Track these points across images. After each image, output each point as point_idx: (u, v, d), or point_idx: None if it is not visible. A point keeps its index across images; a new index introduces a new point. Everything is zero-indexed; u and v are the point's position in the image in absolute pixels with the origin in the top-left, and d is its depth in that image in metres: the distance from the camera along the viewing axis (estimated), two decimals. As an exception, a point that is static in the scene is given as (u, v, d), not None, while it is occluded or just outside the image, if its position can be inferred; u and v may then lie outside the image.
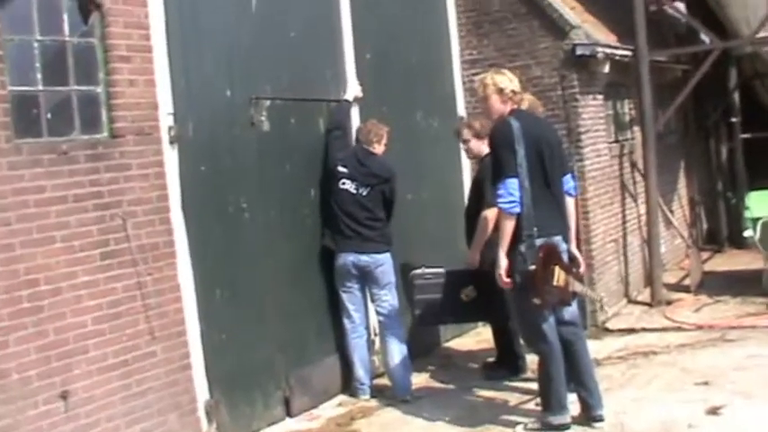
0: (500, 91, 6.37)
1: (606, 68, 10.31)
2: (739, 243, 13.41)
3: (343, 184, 7.72)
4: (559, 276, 6.18)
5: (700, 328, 9.44)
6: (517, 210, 6.09)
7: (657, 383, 7.57)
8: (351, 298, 7.87)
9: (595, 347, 8.64)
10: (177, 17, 6.64)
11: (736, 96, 14.24)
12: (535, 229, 6.12)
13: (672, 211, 12.59)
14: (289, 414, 7.51)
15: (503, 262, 6.20)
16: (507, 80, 6.44)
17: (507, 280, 6.23)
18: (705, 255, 13.29)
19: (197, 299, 6.68)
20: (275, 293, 7.44)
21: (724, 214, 14.33)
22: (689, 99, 12.85)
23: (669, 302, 10.60)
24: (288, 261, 7.65)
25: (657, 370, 7.97)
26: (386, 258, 7.81)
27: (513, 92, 6.41)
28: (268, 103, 7.48)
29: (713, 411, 6.72)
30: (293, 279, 7.70)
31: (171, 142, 6.51)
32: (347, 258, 7.74)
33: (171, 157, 6.53)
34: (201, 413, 6.63)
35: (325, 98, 8.23)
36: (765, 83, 14.32)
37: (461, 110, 10.45)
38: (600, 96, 10.62)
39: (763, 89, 14.53)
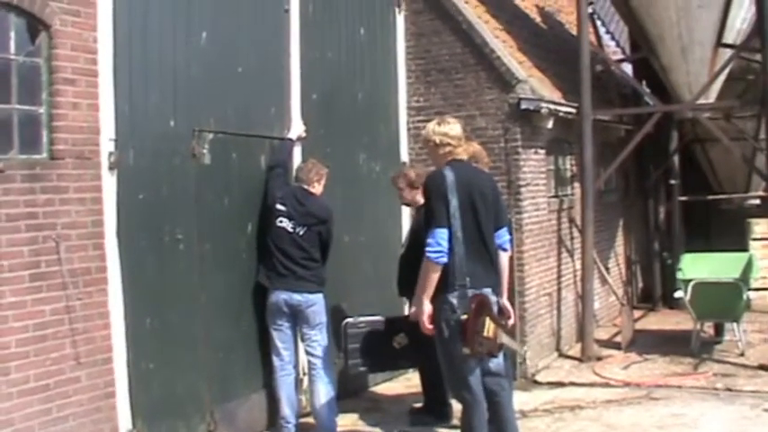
0: (436, 143, 6.41)
1: (550, 124, 10.51)
2: (672, 303, 13.59)
3: (281, 222, 7.73)
4: (489, 327, 6.20)
5: (627, 384, 9.58)
6: (444, 260, 6.11)
7: (581, 437, 7.67)
8: (281, 336, 7.82)
9: (523, 399, 8.77)
10: (126, 43, 6.69)
11: (677, 159, 14.49)
12: (468, 279, 6.15)
13: (608, 269, 12.78)
14: None
15: (426, 308, 6.24)
16: (447, 131, 6.43)
17: (430, 327, 6.26)
18: (638, 313, 13.49)
19: (126, 326, 6.65)
20: (206, 326, 7.46)
21: (659, 274, 14.51)
22: (630, 159, 13.11)
23: (599, 358, 10.73)
24: (221, 294, 7.66)
25: (582, 424, 8.07)
26: (318, 299, 7.79)
27: (450, 143, 6.40)
28: (211, 135, 7.53)
29: (632, 467, 6.83)
30: (225, 313, 7.72)
31: (110, 168, 6.52)
32: (279, 296, 7.71)
33: (109, 182, 6.53)
34: (122, 442, 6.59)
35: (268, 135, 8.28)
36: (705, 147, 14.62)
37: (404, 155, 10.57)
38: (542, 151, 10.79)
39: (703, 153, 14.83)
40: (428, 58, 10.61)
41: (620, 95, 13.97)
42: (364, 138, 9.78)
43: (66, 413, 6.09)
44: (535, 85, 10.40)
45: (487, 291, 6.30)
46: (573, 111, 10.89)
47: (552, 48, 12.97)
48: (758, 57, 11.02)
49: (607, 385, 9.55)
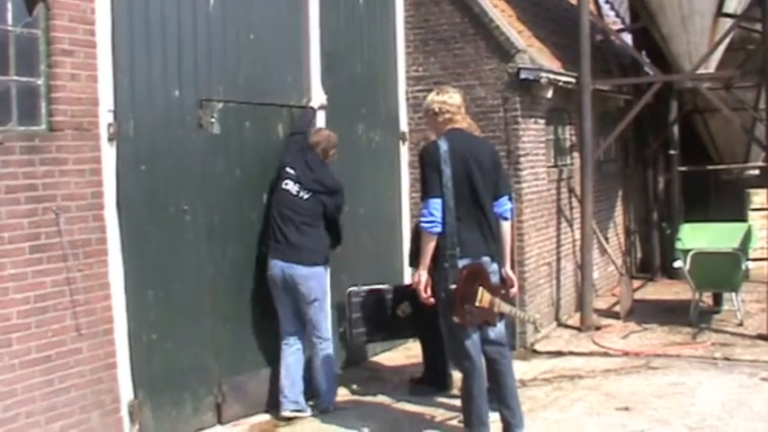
0: (435, 111, 6.49)
1: (549, 94, 10.49)
2: (671, 273, 13.64)
3: (286, 184, 7.56)
4: (483, 297, 6.26)
5: (626, 354, 9.62)
6: (438, 229, 6.20)
7: (580, 407, 7.71)
8: (282, 309, 7.69)
9: (522, 368, 8.81)
10: (127, 13, 6.65)
11: (676, 129, 14.47)
12: (458, 249, 6.21)
13: (607, 238, 12.80)
14: (220, 421, 7.49)
15: (423, 278, 6.33)
16: (446, 99, 6.51)
17: (426, 295, 6.36)
18: (637, 283, 13.52)
19: (128, 298, 6.67)
20: (213, 298, 7.42)
21: (658, 244, 14.53)
22: (629, 129, 13.11)
23: (598, 328, 10.77)
24: (230, 267, 7.59)
25: (581, 393, 8.12)
26: (314, 273, 7.53)
27: (449, 111, 6.47)
28: (220, 105, 7.44)
29: (631, 436, 6.88)
30: (234, 285, 7.65)
31: (109, 139, 6.51)
32: (275, 267, 7.55)
33: (109, 154, 6.53)
34: (125, 413, 6.62)
35: (285, 103, 8.20)
36: (704, 118, 14.61)
37: (404, 125, 10.55)
38: (541, 121, 10.78)
39: (702, 124, 14.83)
40: (427, 27, 10.57)
41: (619, 65, 13.94)
42: (363, 108, 9.75)
43: (67, 384, 6.13)
44: (534, 55, 10.37)
45: (485, 260, 6.35)
46: (572, 80, 10.87)
47: (551, 17, 12.93)
48: (758, 26, 10.99)
49: (606, 355, 9.59)
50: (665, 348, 9.73)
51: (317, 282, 7.53)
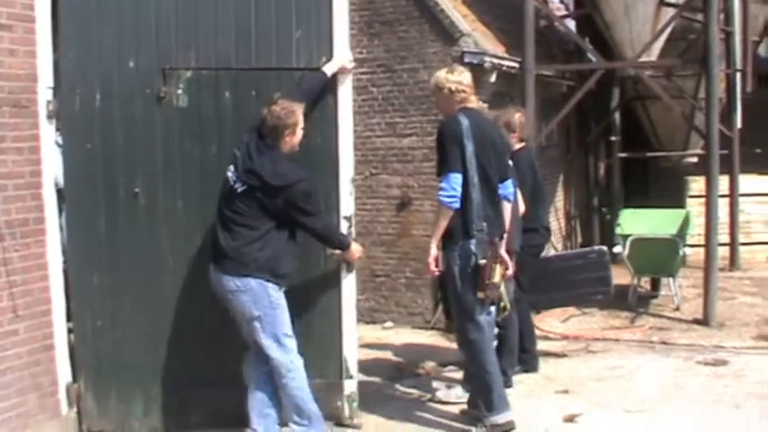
0: (451, 90, 6.42)
1: (493, 78, 10.53)
2: (611, 258, 13.75)
3: (229, 170, 6.14)
4: (497, 274, 6.30)
5: (565, 338, 9.73)
6: (457, 205, 6.19)
7: (519, 389, 7.75)
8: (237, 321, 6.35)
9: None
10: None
11: (618, 116, 14.65)
12: (485, 224, 6.24)
13: (548, 223, 12.89)
14: (177, 428, 6.76)
15: (432, 251, 6.35)
16: (461, 79, 6.48)
17: (434, 269, 6.42)
18: (577, 268, 13.64)
19: (73, 281, 6.56)
20: (175, 293, 6.66)
21: (598, 229, 14.72)
22: (572, 115, 13.22)
23: (538, 312, 10.86)
24: (196, 259, 6.61)
25: (521, 377, 8.18)
26: (245, 287, 6.06)
27: (465, 91, 6.44)
28: (188, 73, 6.55)
29: (570, 419, 6.94)
30: (201, 281, 6.39)
31: (48, 117, 6.38)
32: (210, 273, 6.26)
33: (48, 132, 6.40)
34: (62, 395, 6.54)
35: (285, 66, 6.52)
36: (645, 105, 14.74)
37: (348, 107, 10.50)
38: (485, 105, 10.76)
39: (644, 111, 14.95)
40: (372, 9, 10.57)
41: (563, 51, 14.01)
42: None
43: (3, 367, 6.03)
44: (479, 39, 10.41)
45: (497, 239, 6.42)
46: (516, 65, 10.92)
47: (497, 2, 12.96)
48: (700, 16, 11.14)
49: (546, 338, 9.66)
50: (604, 332, 9.86)
51: (250, 297, 6.06)
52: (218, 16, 6.55)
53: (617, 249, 11.17)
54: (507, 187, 6.63)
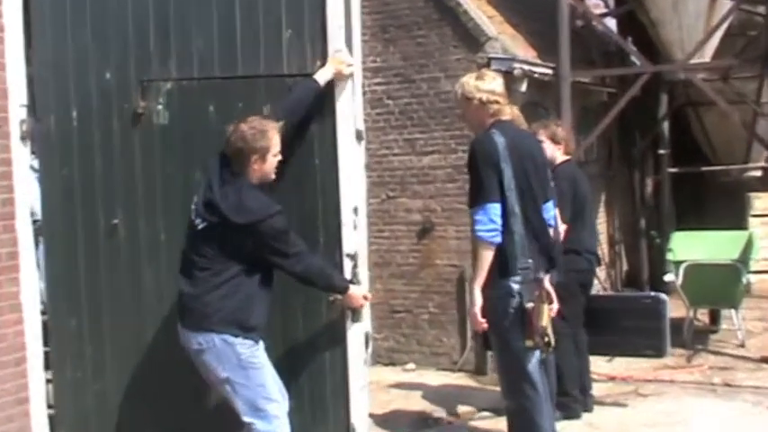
0: (482, 101, 6.14)
1: (524, 87, 10.49)
2: (662, 288, 13.67)
3: (193, 201, 5.81)
4: (544, 316, 6.08)
5: (612, 379, 9.63)
6: (499, 239, 5.93)
7: (561, 440, 7.70)
8: None
9: (497, 395, 8.77)
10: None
11: (666, 126, 14.56)
12: (530, 261, 6.00)
13: (589, 249, 12.82)
14: None
15: (478, 299, 6.04)
16: (493, 87, 6.20)
17: (482, 321, 6.07)
18: (624, 299, 13.57)
19: (46, 325, 6.50)
20: (162, 340, 6.39)
21: (646, 255, 14.62)
22: (614, 125, 13.16)
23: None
24: None
25: (561, 424, 8.07)
26: (208, 344, 5.67)
27: (498, 101, 6.16)
28: (168, 85, 6.44)
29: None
30: None
31: (22, 138, 6.37)
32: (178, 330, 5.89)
33: (21, 155, 6.38)
34: (40, 456, 6.49)
35: (275, 72, 6.28)
36: (698, 112, 14.68)
37: (360, 122, 10.47)
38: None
39: (696, 119, 14.90)
40: (386, 12, 10.57)
41: (602, 54, 14.00)
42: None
43: (-29, 423, 6.02)
44: (507, 43, 10.39)
45: (542, 274, 6.23)
46: (549, 72, 10.89)
47: (526, 1, 12.96)
48: (761, 9, 11.08)
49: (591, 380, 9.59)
50: (656, 373, 9.75)
51: (214, 357, 5.68)
52: (199, 15, 6.39)
53: (669, 278, 11.10)
54: (548, 210, 6.37)
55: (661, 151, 14.61)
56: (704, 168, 14.91)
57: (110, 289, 6.58)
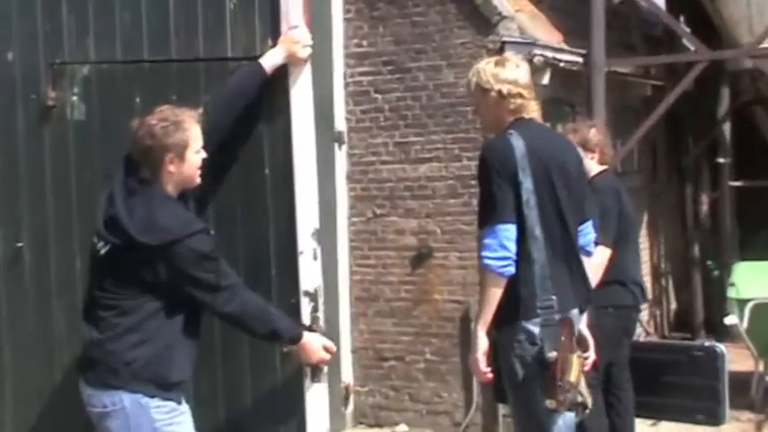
0: (502, 94, 5.98)
1: (546, 78, 10.51)
2: (722, 332, 13.71)
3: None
4: (575, 369, 5.83)
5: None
6: (512, 270, 5.79)
7: None
8: None
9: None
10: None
11: (728, 128, 14.55)
12: (554, 298, 5.86)
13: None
14: None
15: (482, 343, 5.92)
16: (517, 76, 6.04)
17: (486, 370, 5.98)
18: (673, 346, 13.59)
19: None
20: (70, 388, 6.09)
21: (701, 291, 14.61)
22: (660, 127, 13.22)
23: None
24: None
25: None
26: (114, 403, 5.39)
27: (522, 95, 6.00)
28: (85, 70, 6.50)
29: None
30: None
31: None
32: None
33: None
34: None
35: (220, 56, 6.37)
36: (770, 110, 14.71)
37: (340, 122, 10.55)
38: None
39: (766, 120, 14.89)
40: (375, -17, 10.63)
41: (646, 38, 14.03)
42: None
43: None
44: (526, 24, 10.42)
45: (574, 313, 6.04)
46: (579, 60, 10.93)
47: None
48: None
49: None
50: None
51: (122, 422, 5.40)
52: None
53: (730, 320, 11.09)
54: (586, 233, 6.26)
55: (720, 160, 14.59)
56: (775, 183, 14.95)
57: (11, 325, 6.63)
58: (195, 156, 5.42)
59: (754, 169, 14.78)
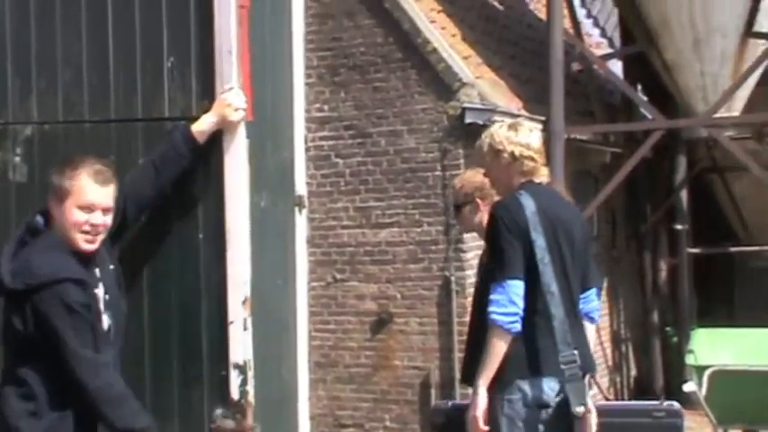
0: (514, 156, 5.98)
1: (506, 144, 10.55)
2: (681, 399, 13.66)
3: None
4: None
5: None
6: (518, 327, 5.73)
7: None
8: None
9: None
10: None
11: (685, 195, 14.57)
12: (576, 352, 5.77)
13: (588, 350, 12.85)
14: None
15: (481, 401, 5.82)
16: (529, 141, 6.05)
17: (485, 429, 5.83)
18: (631, 413, 13.55)
19: None
20: None
21: (659, 357, 14.62)
22: (619, 194, 13.22)
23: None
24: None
25: None
26: None
27: (533, 159, 6.03)
28: (27, 131, 6.33)
29: None
30: None
31: None
32: None
33: None
34: None
35: (156, 116, 6.14)
36: (725, 179, 14.75)
37: (301, 186, 10.48)
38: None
39: (723, 188, 14.95)
40: (337, 49, 10.61)
41: (605, 106, 14.08)
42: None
43: None
44: (486, 90, 10.43)
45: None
46: (539, 126, 10.96)
47: (511, 38, 13.07)
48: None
49: None
50: None
51: None
52: (65, 39, 6.24)
53: (689, 387, 11.07)
54: (590, 300, 6.23)
55: (678, 227, 14.64)
56: (733, 249, 14.98)
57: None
58: (78, 213, 4.98)
59: (711, 236, 14.86)
